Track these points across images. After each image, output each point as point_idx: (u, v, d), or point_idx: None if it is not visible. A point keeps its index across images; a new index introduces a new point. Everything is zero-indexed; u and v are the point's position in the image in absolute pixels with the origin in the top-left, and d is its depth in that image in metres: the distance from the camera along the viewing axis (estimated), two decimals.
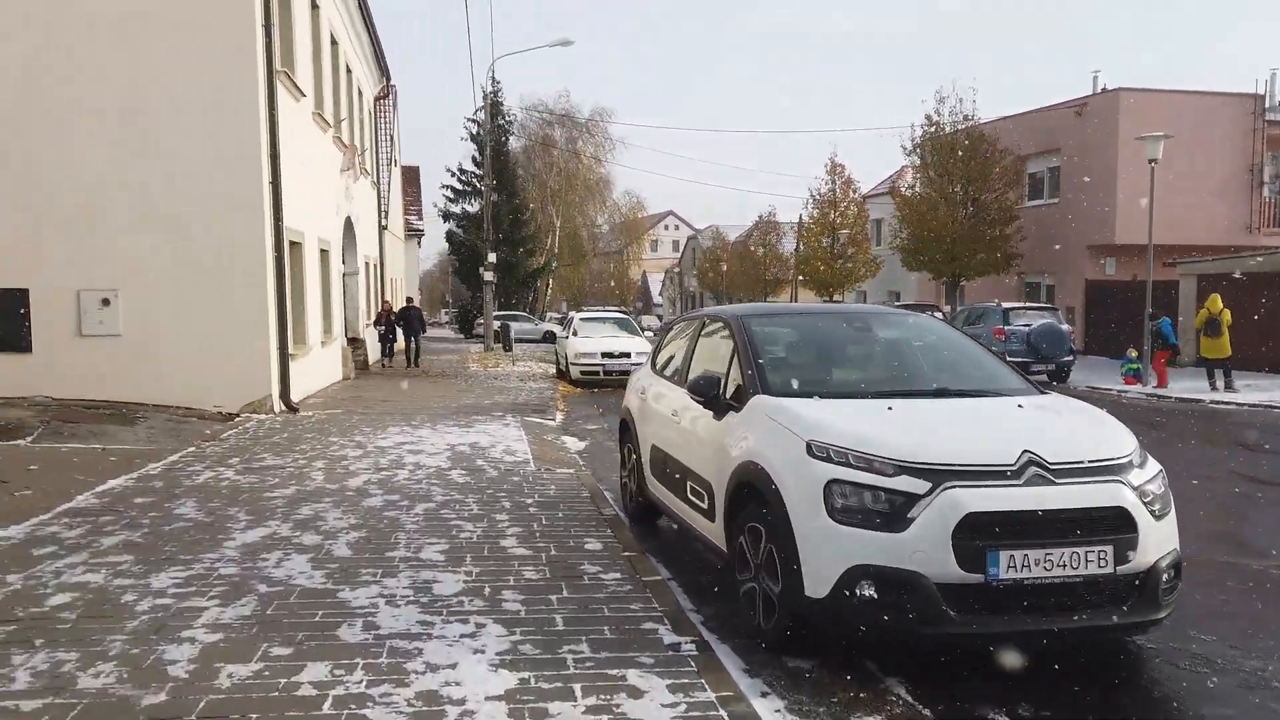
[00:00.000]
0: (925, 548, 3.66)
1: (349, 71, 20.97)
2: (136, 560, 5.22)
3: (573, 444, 11.13)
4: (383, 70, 26.75)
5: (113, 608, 4.45)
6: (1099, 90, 28.58)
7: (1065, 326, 20.02)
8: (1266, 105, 26.07)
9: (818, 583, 3.83)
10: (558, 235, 53.23)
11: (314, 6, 16.38)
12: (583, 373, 19.02)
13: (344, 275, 20.71)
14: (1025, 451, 3.85)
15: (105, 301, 11.74)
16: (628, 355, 19.10)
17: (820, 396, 4.56)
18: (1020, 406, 4.56)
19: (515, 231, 45.03)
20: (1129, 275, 26.65)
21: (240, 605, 4.50)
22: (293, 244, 14.10)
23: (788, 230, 53.45)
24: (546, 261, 50.98)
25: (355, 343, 20.80)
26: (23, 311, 11.52)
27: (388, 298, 24.93)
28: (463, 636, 4.13)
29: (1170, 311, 23.29)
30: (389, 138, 29.46)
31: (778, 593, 4.08)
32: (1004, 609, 3.68)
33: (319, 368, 16.15)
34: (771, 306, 5.76)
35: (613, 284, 72.39)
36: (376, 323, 22.86)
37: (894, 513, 3.74)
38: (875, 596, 3.71)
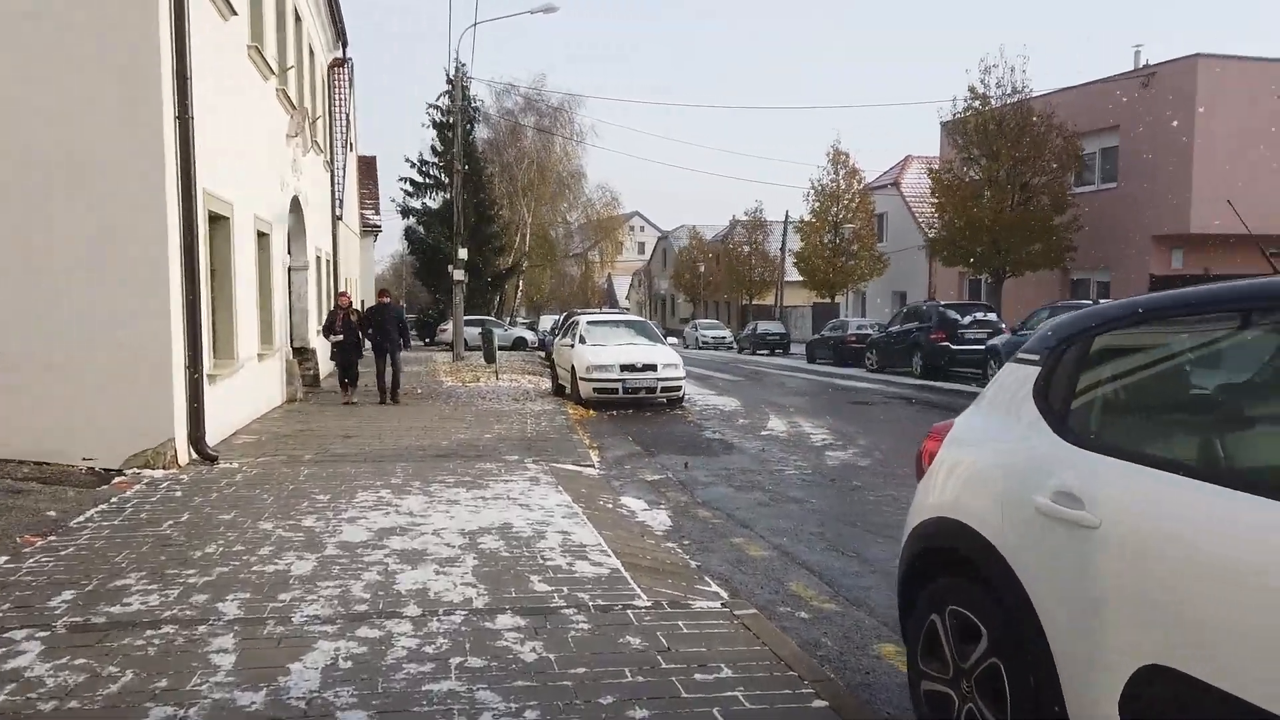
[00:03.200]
0: None
1: (298, 20, 16.72)
2: None
3: (648, 516, 7.11)
4: (339, 33, 22.47)
5: None
6: (1142, 66, 25.30)
7: None
8: None
9: None
10: (528, 233, 48.89)
11: None
12: (596, 391, 14.96)
13: (290, 269, 16.45)
14: None
15: None
16: (654, 368, 15.10)
17: None
18: None
19: (482, 228, 40.80)
20: (1199, 269, 23.38)
21: None
22: (215, 216, 9.90)
23: (774, 228, 49.90)
24: (517, 261, 46.65)
25: (303, 354, 16.49)
26: None
27: (344, 290, 18.14)
28: None
29: None
30: (344, 116, 25.26)
31: None
32: None
33: (253, 391, 11.91)
34: None
35: (577, 287, 68.24)
36: (329, 329, 14.99)
37: None
38: None
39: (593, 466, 9.23)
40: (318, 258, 19.45)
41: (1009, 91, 23.87)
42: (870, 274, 36.38)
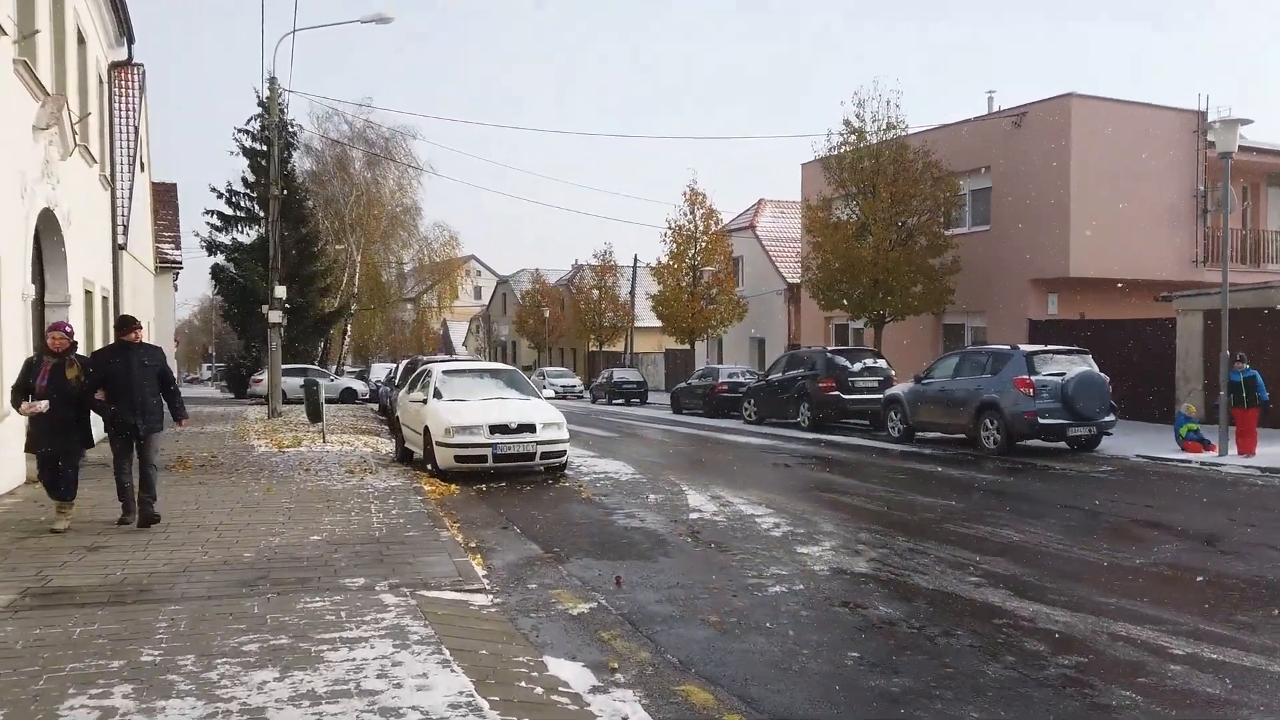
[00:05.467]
0: None
1: None
2: None
3: (609, 709, 4.14)
4: (123, 28, 18.36)
5: None
6: (996, 110, 24.91)
7: (1104, 376, 15.09)
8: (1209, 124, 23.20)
9: None
10: (358, 273, 44.42)
11: None
12: (459, 459, 11.75)
13: (46, 305, 12.41)
14: None
15: None
16: (531, 429, 12.04)
17: None
18: None
19: (304, 267, 36.36)
20: (1075, 314, 22.81)
21: None
22: None
23: (625, 271, 47.86)
24: (344, 304, 42.12)
25: None
26: None
27: (64, 321, 9.02)
28: None
29: (1167, 357, 19.32)
30: (133, 129, 21.01)
31: None
32: None
33: None
34: None
35: (410, 333, 63.75)
36: (20, 393, 7.70)
37: None
38: None
39: (481, 589, 6.14)
40: (88, 293, 15.28)
41: (884, 126, 22.67)
42: (730, 319, 34.75)
